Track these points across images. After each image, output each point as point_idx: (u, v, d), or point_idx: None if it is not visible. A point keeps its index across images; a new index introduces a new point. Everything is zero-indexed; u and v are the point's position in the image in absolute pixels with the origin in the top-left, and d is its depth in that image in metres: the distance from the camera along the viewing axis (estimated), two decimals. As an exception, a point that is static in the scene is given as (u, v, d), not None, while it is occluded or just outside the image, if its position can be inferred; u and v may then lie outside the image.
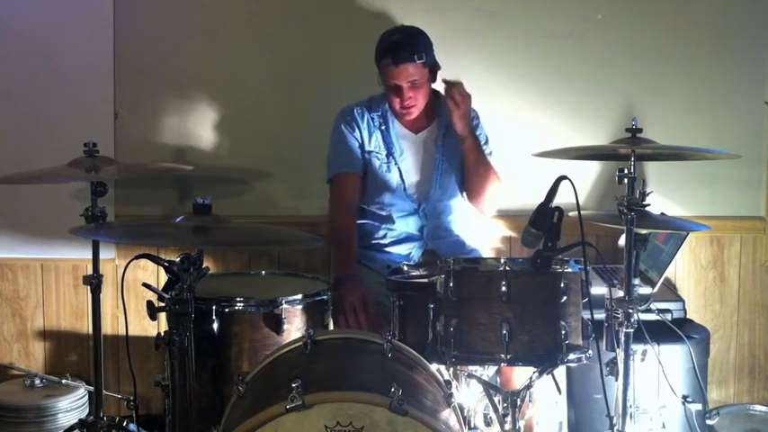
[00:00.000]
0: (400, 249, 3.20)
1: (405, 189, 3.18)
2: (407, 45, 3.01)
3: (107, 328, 3.50)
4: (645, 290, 3.16)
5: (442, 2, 3.40)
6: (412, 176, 3.20)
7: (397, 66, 3.00)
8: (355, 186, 3.19)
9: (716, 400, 3.64)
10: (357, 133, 3.17)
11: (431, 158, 3.20)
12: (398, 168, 3.17)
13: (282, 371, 2.26)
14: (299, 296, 2.70)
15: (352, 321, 2.82)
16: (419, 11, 3.43)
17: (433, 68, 3.09)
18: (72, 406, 3.38)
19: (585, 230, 2.42)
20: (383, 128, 3.17)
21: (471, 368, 2.54)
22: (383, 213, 3.20)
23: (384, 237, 3.21)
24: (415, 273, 2.77)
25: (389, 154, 3.17)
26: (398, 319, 2.51)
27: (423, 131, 3.22)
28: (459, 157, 3.18)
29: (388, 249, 3.20)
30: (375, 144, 3.17)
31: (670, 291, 3.47)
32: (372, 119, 3.17)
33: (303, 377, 2.03)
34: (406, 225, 3.21)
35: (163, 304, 2.20)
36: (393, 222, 3.20)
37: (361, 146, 3.17)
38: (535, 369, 2.36)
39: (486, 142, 3.23)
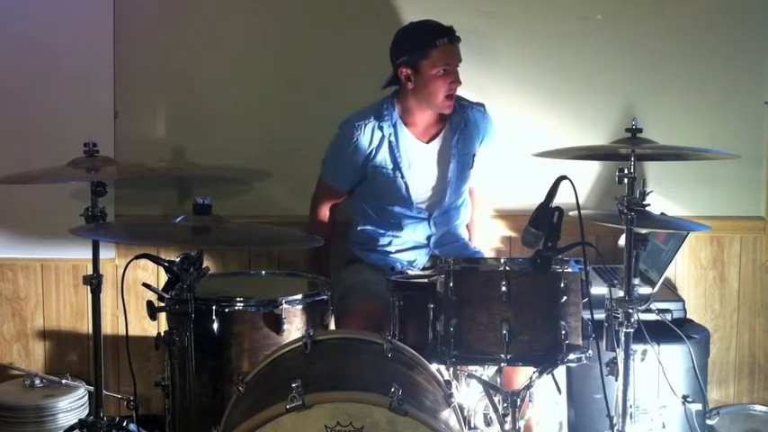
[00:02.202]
0: (406, 256, 3.18)
1: (412, 202, 3.13)
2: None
3: (107, 328, 3.49)
4: (645, 290, 3.16)
5: (442, 2, 3.40)
6: (421, 188, 3.14)
7: (453, 44, 3.01)
8: (335, 197, 3.26)
9: (716, 400, 3.64)
10: (360, 151, 3.08)
11: (443, 168, 3.15)
12: (405, 182, 3.10)
13: (282, 371, 2.26)
14: (299, 296, 2.70)
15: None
16: (419, 11, 3.42)
17: None
18: (72, 406, 3.38)
19: (585, 230, 2.42)
20: (393, 139, 3.08)
21: (471, 368, 2.54)
22: (391, 221, 3.17)
23: (389, 244, 3.18)
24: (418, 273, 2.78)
25: (396, 168, 3.09)
26: (398, 319, 2.51)
27: (433, 141, 3.15)
28: (471, 161, 3.20)
29: (393, 256, 3.18)
30: (381, 159, 3.09)
31: (670, 291, 3.47)
32: (381, 128, 3.07)
33: (303, 377, 2.03)
34: (414, 234, 3.18)
35: (163, 304, 2.20)
36: (401, 230, 3.17)
37: (365, 161, 3.09)
38: (535, 369, 2.36)
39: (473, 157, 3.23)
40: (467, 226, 3.35)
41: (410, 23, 3.13)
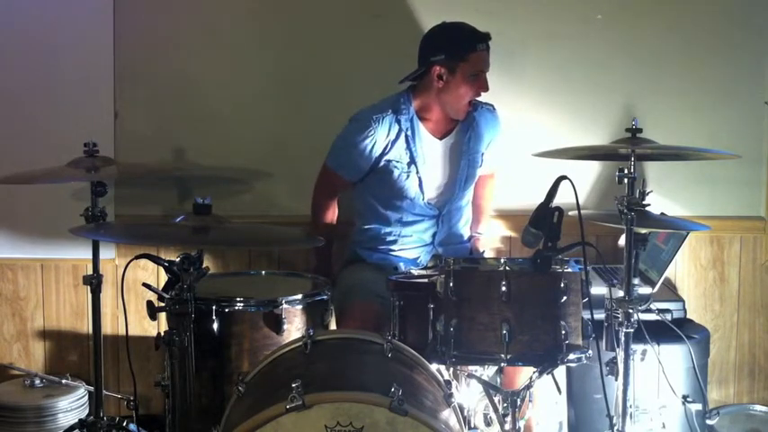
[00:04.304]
0: (410, 254, 3.17)
1: (423, 198, 3.12)
2: None
3: (107, 328, 3.49)
4: (645, 290, 3.16)
5: (443, 3, 3.40)
6: (434, 185, 3.13)
7: (488, 51, 3.03)
8: (339, 186, 3.23)
9: (716, 400, 3.64)
10: (377, 143, 3.04)
11: (455, 165, 3.15)
12: (419, 178, 3.09)
13: (282, 371, 2.26)
14: (299, 296, 2.70)
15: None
16: (419, 11, 3.43)
17: None
18: (72, 406, 3.38)
19: (585, 230, 2.42)
20: (409, 133, 3.06)
21: (471, 368, 2.54)
22: (399, 217, 3.15)
23: (395, 243, 3.17)
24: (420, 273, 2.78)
25: (412, 162, 3.07)
26: (398, 319, 2.51)
27: (447, 137, 3.14)
28: (480, 159, 3.21)
29: (396, 254, 3.17)
30: (396, 153, 3.07)
31: (670, 291, 3.47)
32: (399, 121, 3.05)
33: (303, 377, 2.03)
34: (420, 232, 3.17)
35: (163, 304, 2.20)
36: (408, 227, 3.16)
37: (380, 154, 3.06)
38: (535, 369, 2.36)
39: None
40: (476, 214, 3.37)
41: (445, 23, 3.08)
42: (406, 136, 3.07)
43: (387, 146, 3.06)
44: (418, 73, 3.07)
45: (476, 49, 3.00)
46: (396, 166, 3.08)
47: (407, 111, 3.07)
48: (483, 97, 3.15)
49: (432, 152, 3.12)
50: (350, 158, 3.11)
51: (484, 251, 3.35)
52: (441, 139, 3.14)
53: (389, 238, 3.17)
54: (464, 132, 3.16)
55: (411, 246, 3.18)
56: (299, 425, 1.97)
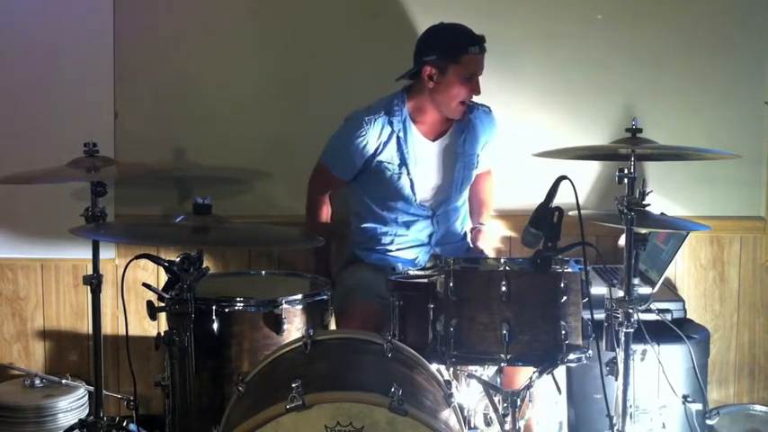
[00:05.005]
0: (407, 254, 3.17)
1: (415, 199, 3.12)
2: None
3: (107, 328, 3.49)
4: (645, 290, 3.16)
5: (442, 3, 3.40)
6: (426, 186, 3.13)
7: (482, 54, 3.01)
8: (333, 183, 3.23)
9: (716, 400, 3.64)
10: (368, 145, 3.05)
11: (449, 167, 3.15)
12: (410, 179, 3.09)
13: (282, 371, 2.26)
14: (299, 296, 2.70)
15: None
16: (419, 12, 3.43)
17: None
18: (72, 406, 3.38)
19: (585, 230, 2.42)
20: (401, 134, 3.06)
21: (471, 368, 2.54)
22: (393, 217, 3.16)
23: (391, 243, 3.17)
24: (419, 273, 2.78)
25: (403, 164, 3.08)
26: (398, 319, 2.51)
27: (440, 138, 3.14)
28: (475, 161, 3.21)
29: (394, 254, 3.17)
30: (388, 154, 3.07)
31: (670, 291, 3.47)
32: (391, 123, 3.05)
33: (303, 377, 2.04)
34: (416, 232, 3.17)
35: (163, 304, 2.20)
36: (403, 227, 3.16)
37: (372, 155, 3.07)
38: (535, 369, 2.36)
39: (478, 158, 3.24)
40: (478, 207, 3.37)
41: (441, 24, 3.07)
42: (398, 138, 3.07)
43: (378, 147, 3.07)
44: (411, 72, 3.07)
45: (468, 52, 2.98)
46: (387, 168, 3.09)
47: (400, 112, 3.07)
48: (481, 98, 3.15)
49: (424, 154, 3.12)
50: (343, 157, 3.12)
51: (484, 253, 3.35)
52: (434, 140, 3.14)
53: (386, 239, 3.18)
54: (459, 134, 3.15)
55: (408, 246, 3.18)
56: (299, 425, 1.97)
